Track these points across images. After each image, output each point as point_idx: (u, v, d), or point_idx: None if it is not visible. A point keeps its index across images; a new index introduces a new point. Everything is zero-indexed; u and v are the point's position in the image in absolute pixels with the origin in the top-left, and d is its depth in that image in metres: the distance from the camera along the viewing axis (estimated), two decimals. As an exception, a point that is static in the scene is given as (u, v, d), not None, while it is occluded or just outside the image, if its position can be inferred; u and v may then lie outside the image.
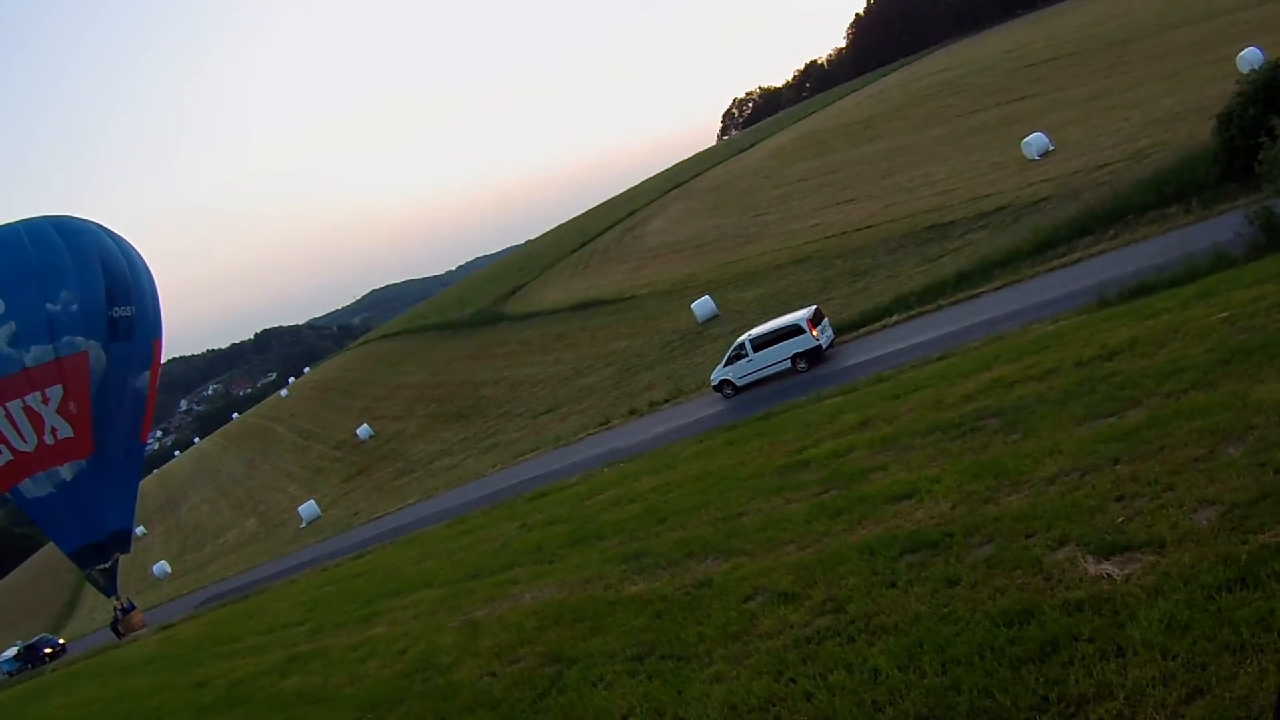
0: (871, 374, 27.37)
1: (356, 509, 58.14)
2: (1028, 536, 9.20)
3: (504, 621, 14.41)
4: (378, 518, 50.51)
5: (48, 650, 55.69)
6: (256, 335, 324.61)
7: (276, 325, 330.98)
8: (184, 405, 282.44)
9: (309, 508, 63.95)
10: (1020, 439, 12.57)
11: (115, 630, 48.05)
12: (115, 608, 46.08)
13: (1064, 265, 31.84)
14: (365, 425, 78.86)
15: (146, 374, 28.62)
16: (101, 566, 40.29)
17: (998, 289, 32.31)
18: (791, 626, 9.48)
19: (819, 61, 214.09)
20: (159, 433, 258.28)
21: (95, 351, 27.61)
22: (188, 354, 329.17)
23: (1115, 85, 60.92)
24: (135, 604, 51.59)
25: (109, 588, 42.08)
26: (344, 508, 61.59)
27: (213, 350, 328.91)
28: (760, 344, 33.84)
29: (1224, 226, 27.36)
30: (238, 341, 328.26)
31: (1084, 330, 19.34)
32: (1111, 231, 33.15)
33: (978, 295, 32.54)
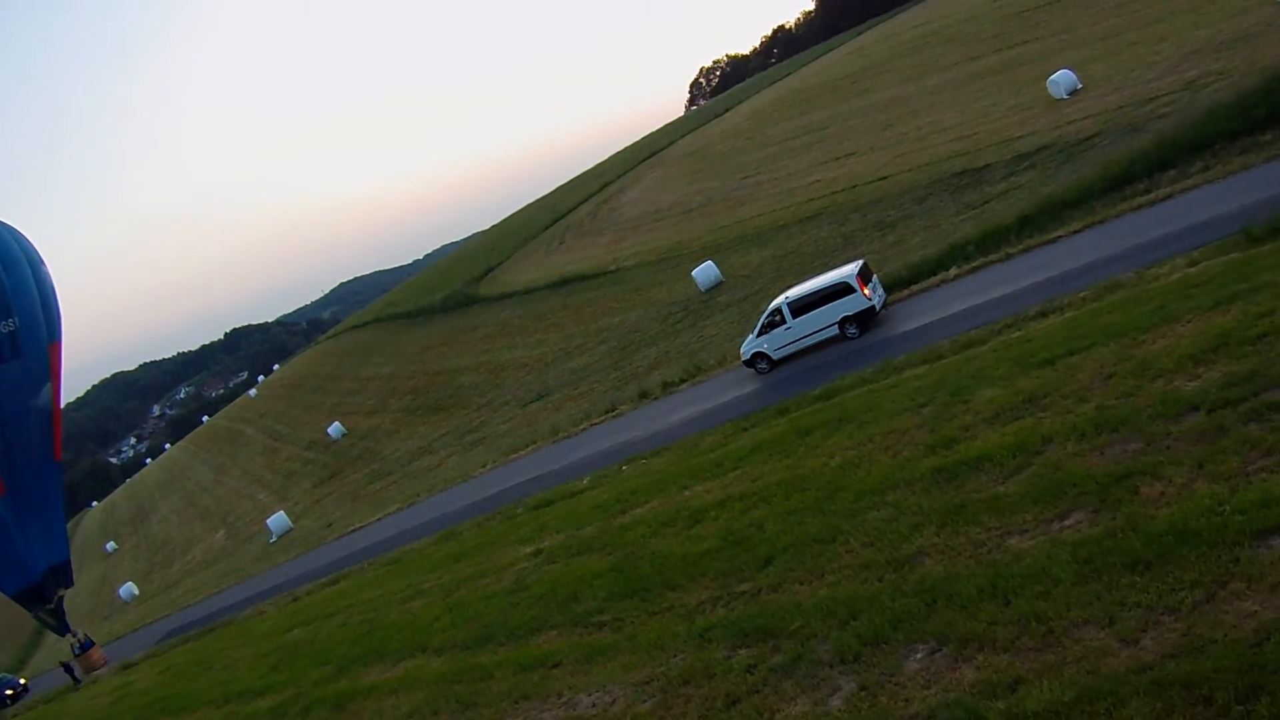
0: (951, 336, 22.42)
1: (330, 519, 52.65)
2: None
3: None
4: (353, 530, 45.03)
5: (9, 691, 51.57)
6: (226, 335, 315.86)
7: (246, 324, 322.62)
8: (156, 410, 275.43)
9: (279, 519, 58.48)
10: None
11: (70, 672, 43.25)
12: (72, 645, 41.33)
13: (1151, 203, 27.00)
14: (337, 423, 73.59)
15: (47, 386, 23.24)
16: (47, 608, 36.12)
17: (1076, 232, 27.37)
18: None
19: (787, 26, 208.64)
20: (132, 439, 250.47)
21: (-14, 382, 22.24)
22: (158, 358, 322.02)
23: (1129, 23, 56.67)
24: (94, 640, 46.73)
25: (59, 627, 37.29)
26: (316, 518, 56.09)
27: (183, 353, 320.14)
28: (800, 307, 28.31)
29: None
30: (208, 343, 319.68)
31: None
32: (1200, 163, 28.41)
33: (1053, 240, 27.59)
